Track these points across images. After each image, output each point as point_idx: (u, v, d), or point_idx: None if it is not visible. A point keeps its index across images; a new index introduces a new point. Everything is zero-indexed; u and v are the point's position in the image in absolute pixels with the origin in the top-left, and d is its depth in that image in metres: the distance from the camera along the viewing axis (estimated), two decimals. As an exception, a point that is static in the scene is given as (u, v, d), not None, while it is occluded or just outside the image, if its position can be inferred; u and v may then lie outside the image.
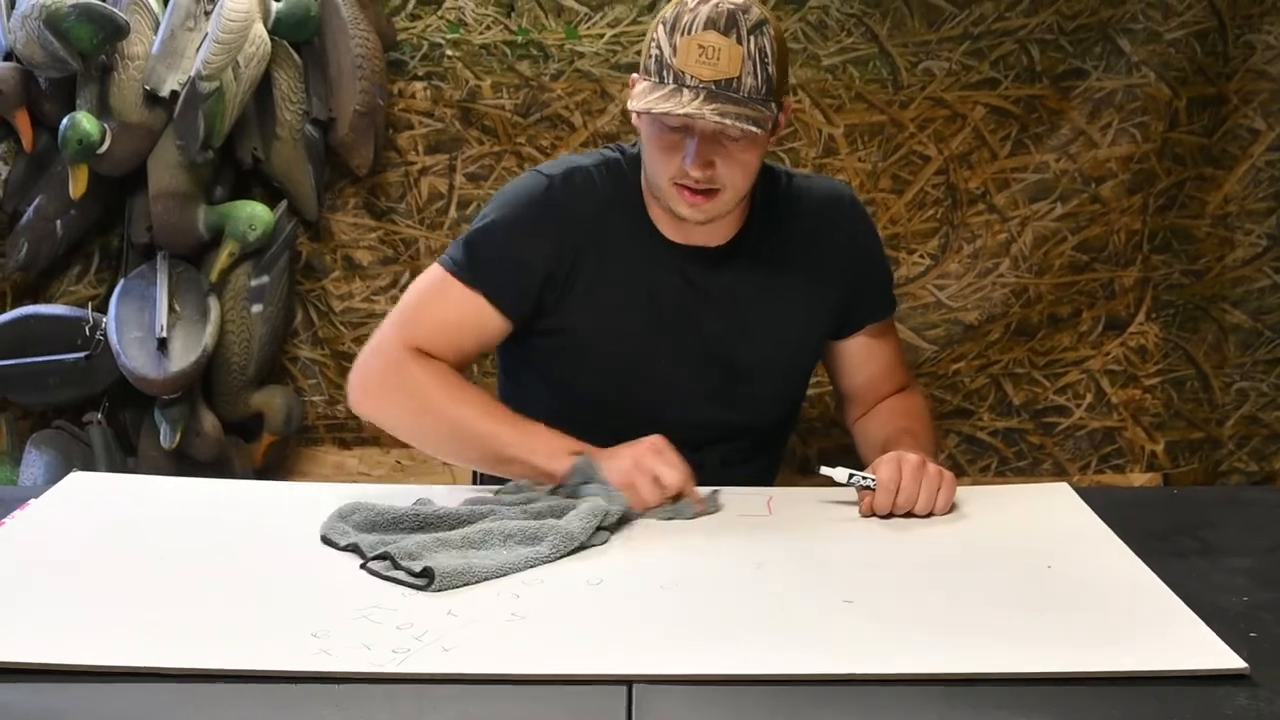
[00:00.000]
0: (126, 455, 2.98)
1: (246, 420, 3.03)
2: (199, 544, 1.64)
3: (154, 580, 1.51)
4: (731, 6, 1.81)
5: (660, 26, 1.83)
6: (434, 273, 1.96)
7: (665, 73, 1.80)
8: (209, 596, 1.47)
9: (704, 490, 1.80)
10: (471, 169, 3.04)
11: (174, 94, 2.78)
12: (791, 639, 1.38)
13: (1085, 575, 1.59)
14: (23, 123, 2.82)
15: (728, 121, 1.76)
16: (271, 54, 2.86)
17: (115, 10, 2.75)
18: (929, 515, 1.77)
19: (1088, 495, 1.86)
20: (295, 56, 2.96)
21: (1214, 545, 1.71)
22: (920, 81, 3.03)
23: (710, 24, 1.78)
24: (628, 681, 1.29)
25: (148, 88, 2.79)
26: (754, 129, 1.78)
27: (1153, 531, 1.72)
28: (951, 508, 1.79)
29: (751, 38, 1.79)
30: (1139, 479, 3.16)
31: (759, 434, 2.09)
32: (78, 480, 1.88)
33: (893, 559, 1.64)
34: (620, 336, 1.97)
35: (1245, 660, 1.33)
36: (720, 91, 1.77)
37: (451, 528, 1.61)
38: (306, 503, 1.80)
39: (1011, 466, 3.17)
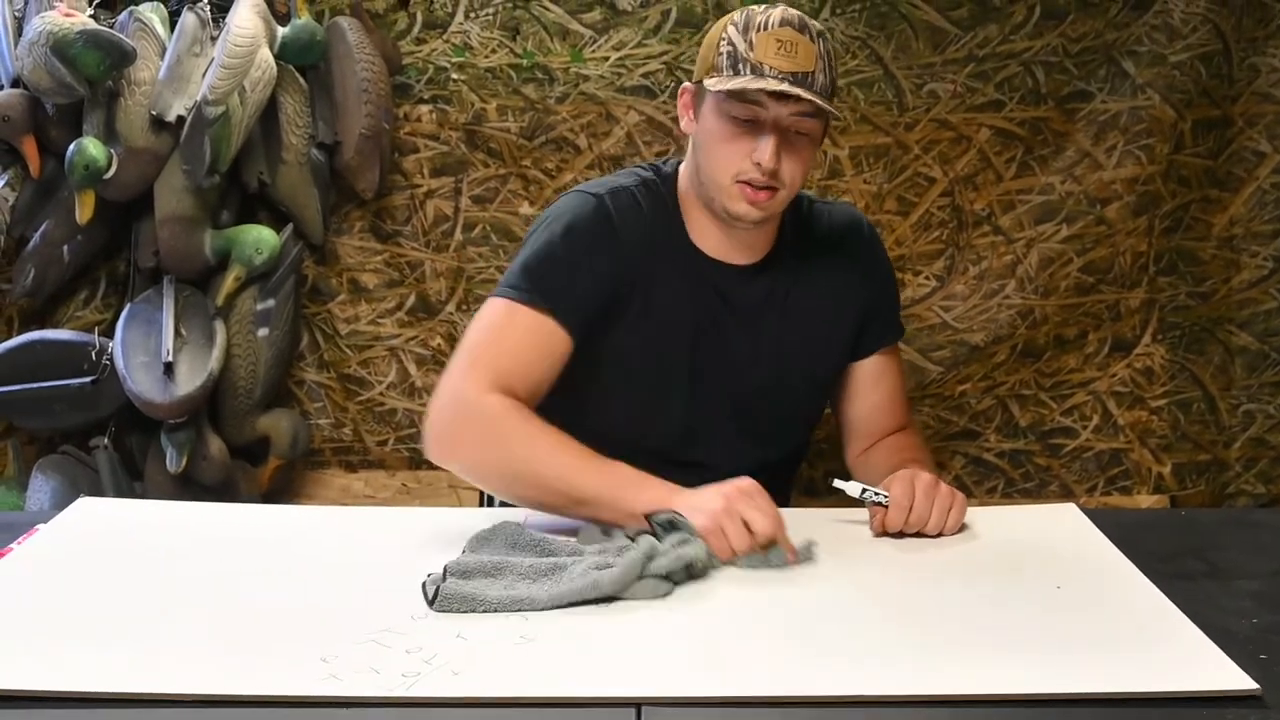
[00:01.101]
0: (133, 480, 2.98)
1: (252, 444, 3.03)
2: (206, 569, 1.64)
3: (161, 605, 1.51)
4: (794, 11, 1.87)
5: (730, 28, 1.86)
6: (494, 305, 1.88)
7: (741, 65, 1.83)
8: (217, 621, 1.46)
9: (798, 540, 1.68)
10: (477, 192, 3.05)
11: (180, 119, 2.79)
12: (800, 660, 1.38)
13: (1094, 596, 1.58)
14: (30, 149, 2.83)
15: (820, 102, 1.81)
16: (277, 79, 2.87)
17: (122, 37, 2.76)
18: (939, 535, 1.76)
19: (1095, 517, 1.86)
20: (301, 81, 2.97)
21: (1222, 568, 1.70)
22: (925, 104, 3.03)
23: (785, 22, 1.84)
24: (637, 704, 1.29)
25: (154, 113, 2.80)
26: (834, 113, 1.86)
27: (1160, 554, 1.71)
28: (961, 528, 1.78)
29: (820, 40, 1.85)
30: (1146, 501, 3.16)
31: (781, 451, 2.11)
32: (85, 506, 1.88)
33: (902, 580, 1.63)
34: (657, 352, 1.98)
35: (1256, 683, 1.32)
36: (799, 82, 1.81)
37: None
38: (313, 527, 1.81)
39: (1018, 488, 3.17)
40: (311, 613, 1.49)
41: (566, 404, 1.94)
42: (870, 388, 2.11)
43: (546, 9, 2.99)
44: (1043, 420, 3.16)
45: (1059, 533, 1.81)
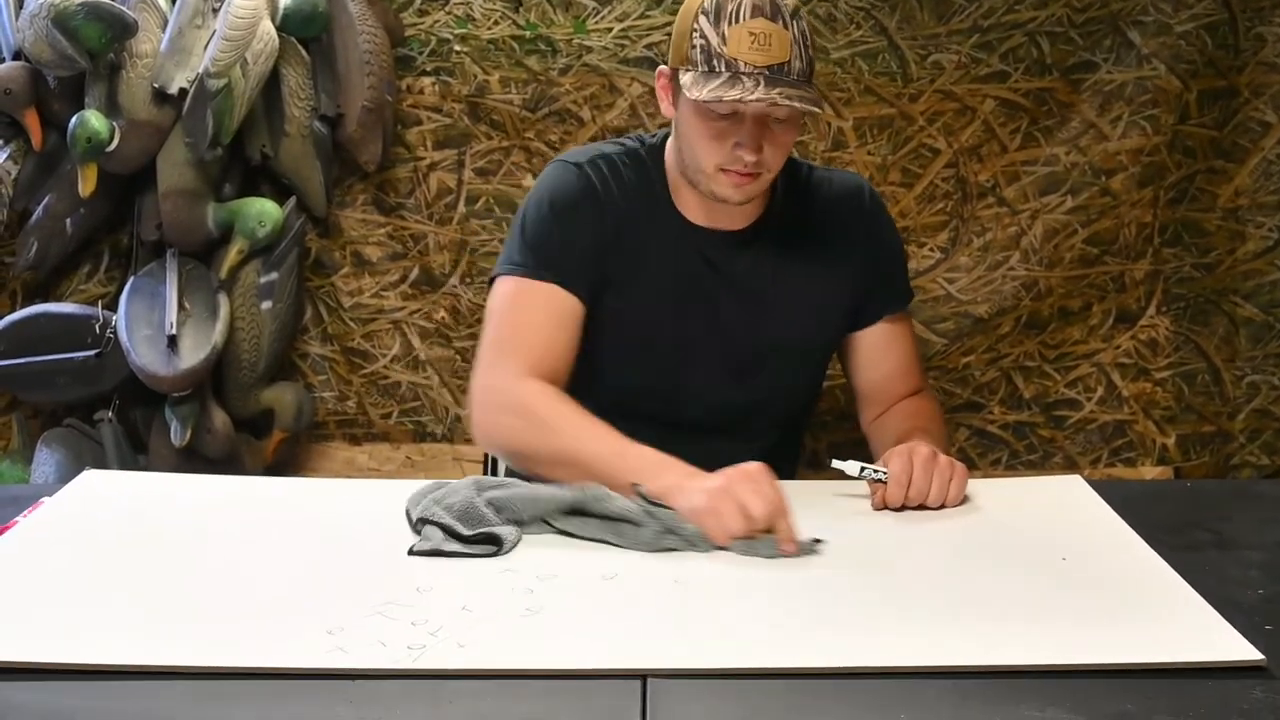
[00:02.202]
0: (137, 453, 2.99)
1: (257, 417, 3.03)
2: (211, 541, 1.64)
3: (167, 578, 1.51)
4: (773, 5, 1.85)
5: (701, 18, 1.85)
6: (504, 286, 1.95)
7: (716, 62, 1.82)
8: (222, 594, 1.47)
9: (803, 537, 1.63)
10: (480, 164, 3.04)
11: (182, 91, 2.78)
12: (805, 632, 1.38)
13: (1099, 567, 1.58)
14: (32, 122, 2.82)
15: (797, 105, 1.80)
16: (279, 51, 2.86)
17: (123, 9, 2.75)
18: (940, 507, 1.76)
19: (1099, 488, 1.85)
20: (303, 53, 2.96)
21: (1227, 539, 1.70)
22: (929, 74, 3.02)
23: (757, 11, 1.82)
24: (643, 675, 1.29)
25: (156, 86, 2.79)
26: (815, 109, 1.82)
27: (1165, 525, 1.71)
28: (964, 500, 1.78)
29: (794, 22, 1.83)
30: (1150, 472, 3.16)
31: (777, 421, 2.11)
32: (91, 478, 1.88)
33: (905, 552, 1.63)
34: (645, 320, 2.01)
35: (1261, 653, 1.32)
36: (775, 76, 1.81)
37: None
38: (319, 499, 1.81)
39: (1022, 460, 3.17)
40: (317, 585, 1.49)
41: (579, 366, 2.01)
42: (880, 356, 2.12)
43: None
44: (1047, 392, 3.16)
45: (1064, 505, 1.81)
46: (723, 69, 1.82)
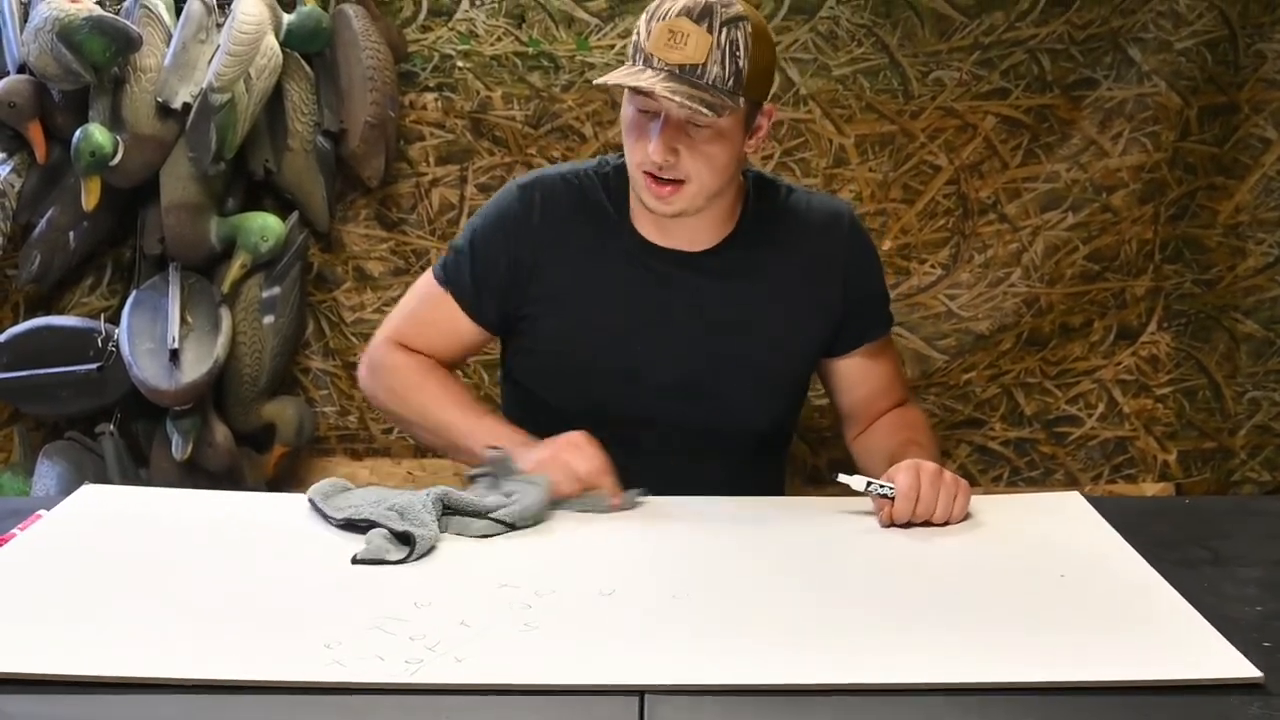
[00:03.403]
0: (138, 466, 2.99)
1: (258, 431, 3.03)
2: (211, 556, 1.64)
3: (166, 592, 1.51)
4: (712, 1, 1.82)
5: (643, 15, 1.86)
6: (424, 277, 2.11)
7: (637, 55, 1.83)
8: (221, 608, 1.47)
9: (631, 491, 1.83)
10: (483, 180, 3.05)
11: (186, 106, 2.79)
12: (804, 648, 1.38)
13: (1098, 584, 1.58)
14: (36, 135, 2.83)
15: (676, 99, 1.76)
16: (283, 66, 2.86)
17: (128, 23, 2.76)
18: (945, 524, 1.76)
19: (1099, 505, 1.86)
20: (307, 68, 2.97)
21: (1226, 555, 1.70)
22: (931, 91, 3.03)
23: (685, 11, 1.80)
24: (640, 691, 1.29)
25: (160, 100, 2.80)
26: (705, 111, 1.77)
27: (1164, 541, 1.72)
28: (966, 516, 1.78)
29: (724, 29, 1.80)
30: (1151, 489, 3.16)
31: (747, 444, 2.08)
32: (90, 492, 1.88)
33: (904, 568, 1.63)
34: (595, 341, 2.00)
35: (1259, 670, 1.32)
36: (683, 76, 1.78)
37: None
38: (318, 514, 1.80)
39: (1023, 476, 3.17)
40: (315, 599, 1.50)
41: (528, 386, 2.08)
42: (860, 380, 2.11)
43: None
44: (1048, 408, 3.16)
45: (1062, 521, 1.82)
46: (639, 62, 1.82)
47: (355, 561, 1.58)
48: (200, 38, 2.84)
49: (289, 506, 1.90)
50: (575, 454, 1.80)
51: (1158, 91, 3.01)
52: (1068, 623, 1.46)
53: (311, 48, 2.95)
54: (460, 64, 3.02)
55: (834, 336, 2.07)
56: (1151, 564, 1.62)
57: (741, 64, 1.81)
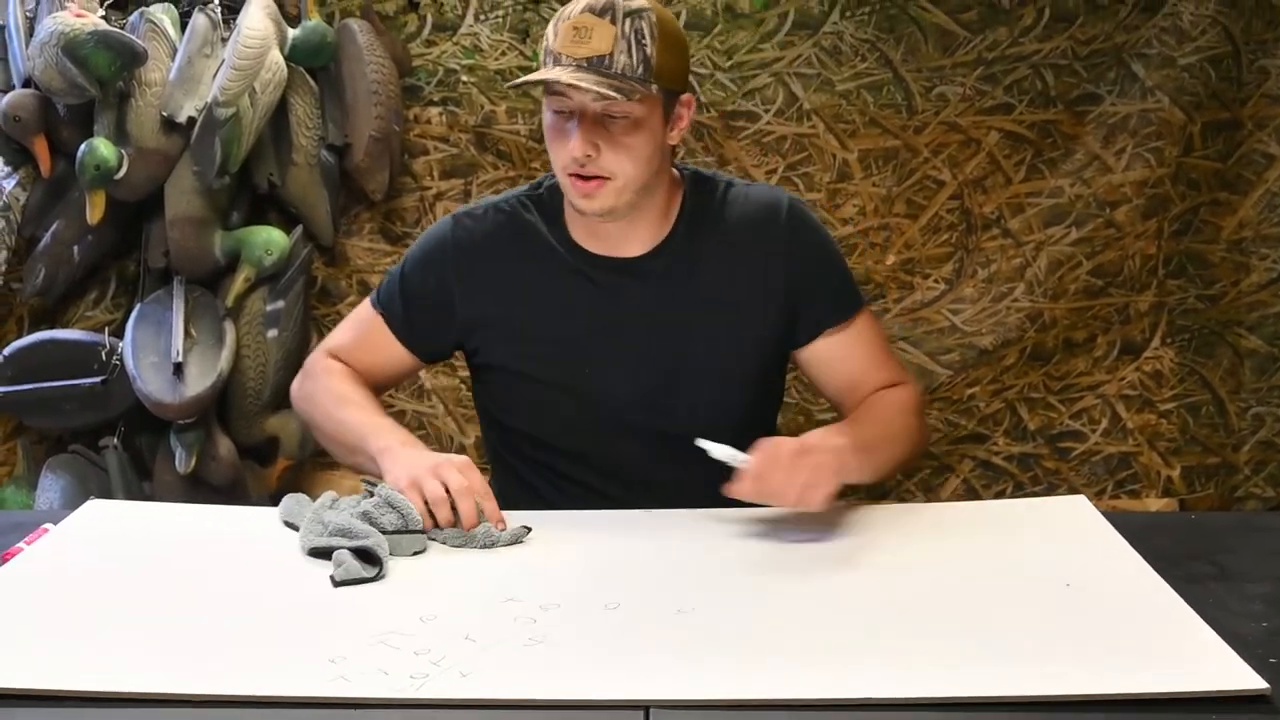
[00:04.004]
0: (142, 480, 2.99)
1: (261, 444, 3.04)
2: (215, 571, 1.64)
3: (171, 607, 1.51)
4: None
5: (552, 21, 1.88)
6: (364, 301, 2.11)
7: (547, 58, 1.85)
8: (225, 623, 1.46)
9: (515, 523, 1.74)
10: (486, 194, 3.04)
11: (191, 120, 2.80)
12: (809, 662, 1.38)
13: (1103, 593, 1.57)
14: (41, 149, 2.84)
15: (584, 85, 1.77)
16: (288, 80, 2.87)
17: (133, 38, 2.77)
18: (805, 510, 1.72)
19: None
20: (311, 83, 2.97)
21: (1231, 571, 1.70)
22: (934, 106, 3.03)
23: (588, 8, 1.82)
24: (645, 706, 1.29)
25: (165, 114, 2.81)
26: (615, 95, 1.78)
27: (1169, 557, 1.71)
28: (835, 510, 1.74)
29: (628, 20, 1.81)
30: (1155, 504, 3.16)
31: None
32: (95, 507, 1.88)
33: (909, 579, 1.63)
34: (547, 362, 1.97)
35: (1265, 683, 1.32)
36: (591, 67, 1.80)
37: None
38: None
39: (1027, 491, 3.16)
40: (319, 614, 1.49)
41: (496, 414, 2.07)
42: (833, 368, 2.03)
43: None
44: (1051, 424, 3.16)
45: (1068, 527, 1.80)
46: (550, 63, 1.83)
47: (336, 584, 1.57)
48: (205, 52, 2.85)
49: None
50: (451, 470, 1.75)
51: (1161, 107, 3.02)
52: (1073, 635, 1.45)
53: (316, 62, 2.96)
54: (464, 78, 3.03)
55: (791, 327, 2.01)
56: (1156, 580, 1.62)
57: (649, 51, 1.82)
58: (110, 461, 2.95)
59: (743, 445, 1.93)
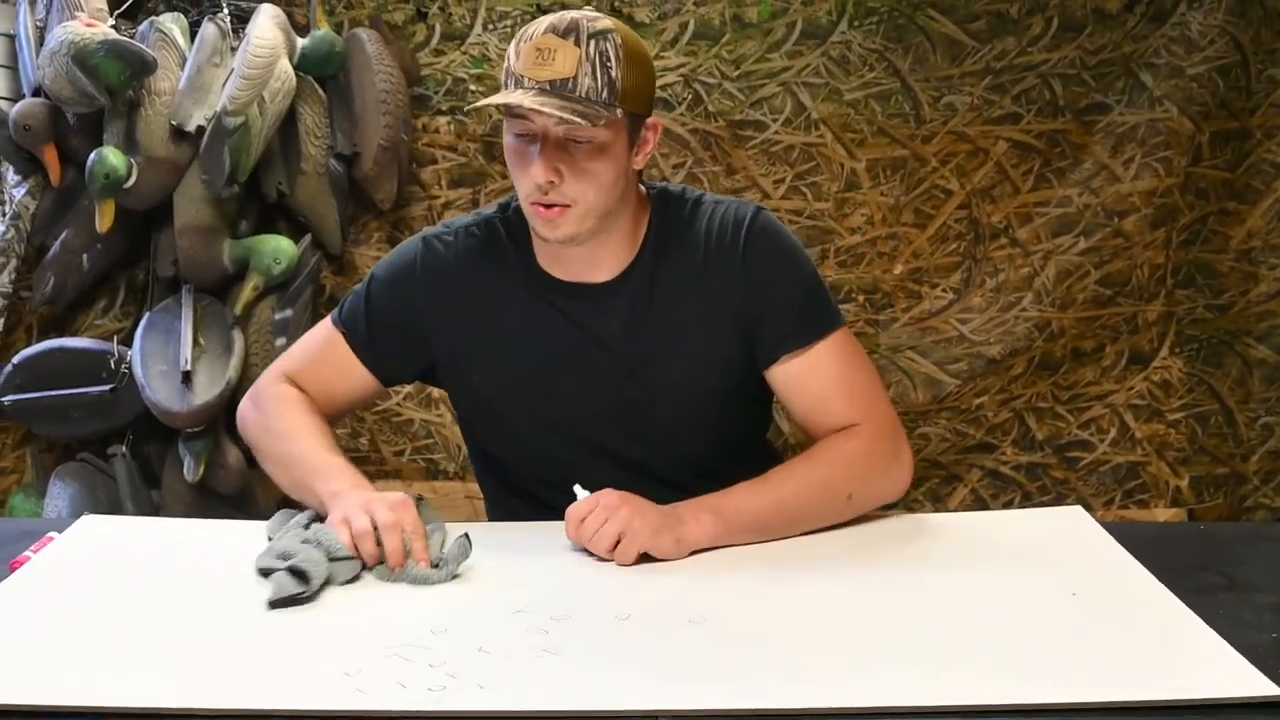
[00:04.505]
0: (150, 488, 2.99)
1: (270, 453, 3.03)
2: (223, 585, 1.63)
3: (180, 622, 1.51)
4: (578, 15, 1.79)
5: (513, 42, 1.81)
6: (323, 321, 2.06)
7: (509, 80, 1.79)
8: (237, 637, 1.46)
9: (451, 547, 1.69)
10: (495, 202, 3.04)
11: (200, 129, 2.80)
12: (821, 672, 1.38)
13: (1110, 602, 1.58)
14: (51, 158, 2.84)
15: (547, 110, 1.72)
16: (296, 89, 2.88)
17: (142, 47, 2.77)
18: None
19: (1112, 530, 1.85)
20: (320, 92, 2.98)
21: (1241, 582, 1.70)
22: (942, 116, 3.03)
23: (550, 29, 1.77)
24: (656, 716, 1.29)
25: (174, 123, 2.81)
26: (579, 120, 1.72)
27: (1178, 568, 1.71)
28: (641, 558, 1.70)
29: (592, 41, 1.76)
30: (1163, 514, 3.15)
31: (697, 469, 1.95)
32: (90, 523, 1.87)
33: (915, 588, 1.63)
34: (517, 389, 1.93)
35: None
36: (554, 90, 1.74)
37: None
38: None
39: (1035, 501, 3.16)
40: (329, 626, 1.49)
41: (472, 437, 2.05)
42: (792, 395, 1.94)
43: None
44: (1060, 433, 3.16)
45: (1068, 537, 1.81)
46: (511, 85, 1.77)
47: (271, 605, 1.53)
48: (215, 61, 2.85)
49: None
50: (381, 505, 1.69)
51: (1169, 117, 3.02)
52: (1083, 641, 1.45)
53: (325, 72, 2.96)
54: (473, 88, 3.03)
55: (753, 348, 1.93)
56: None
57: (614, 74, 1.77)
58: (118, 470, 2.95)
59: (728, 465, 1.92)
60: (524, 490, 1.98)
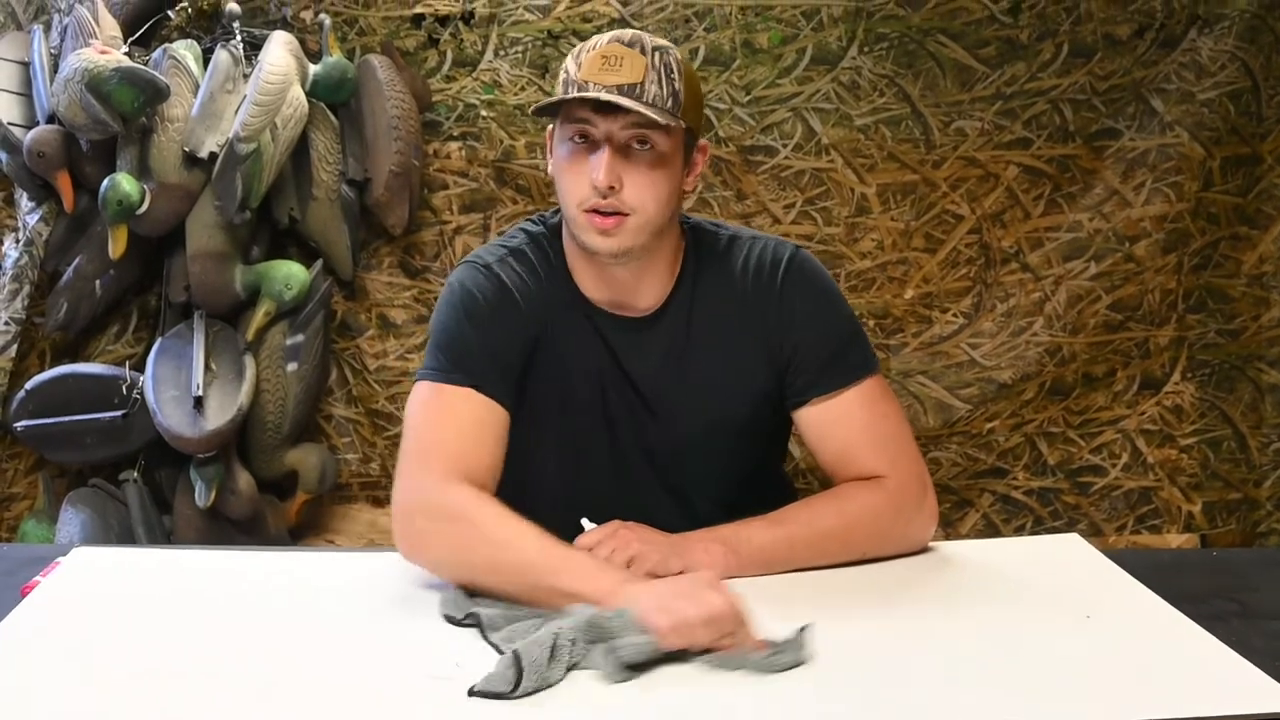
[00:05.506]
0: (162, 514, 2.99)
1: (281, 478, 3.04)
2: (228, 618, 1.61)
3: (195, 656, 1.48)
4: (637, 31, 1.80)
5: (567, 59, 1.81)
6: (421, 392, 1.84)
7: (569, 88, 1.77)
8: (251, 669, 1.45)
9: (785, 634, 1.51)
10: (506, 228, 3.05)
11: (213, 155, 2.81)
12: (835, 697, 1.37)
13: (1124, 624, 1.59)
14: (64, 184, 2.85)
15: (624, 103, 1.71)
16: (309, 116, 2.89)
17: (156, 74, 2.78)
18: None
19: (1124, 556, 1.85)
20: (332, 118, 2.99)
21: (1254, 609, 1.69)
22: (953, 141, 3.03)
23: (615, 39, 1.77)
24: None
25: (187, 149, 2.82)
26: (656, 117, 1.71)
27: (1191, 594, 1.70)
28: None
29: (656, 53, 1.76)
30: (1176, 540, 3.14)
31: (720, 496, 1.94)
32: (82, 556, 1.83)
33: (933, 620, 1.62)
34: (571, 412, 1.91)
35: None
36: (624, 93, 1.73)
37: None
38: (339, 572, 1.79)
39: (1046, 526, 3.15)
40: (350, 661, 1.48)
41: (519, 474, 1.91)
42: (821, 439, 1.91)
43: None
44: (1071, 458, 3.15)
45: (1070, 563, 1.82)
46: (573, 92, 1.76)
47: (472, 693, 1.40)
48: (227, 88, 2.87)
49: (303, 563, 1.89)
50: (690, 604, 1.48)
51: (1180, 142, 3.02)
52: (1104, 663, 1.46)
53: (337, 98, 2.97)
54: (484, 113, 3.04)
55: (781, 389, 1.91)
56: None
57: (677, 86, 1.76)
58: (130, 495, 2.95)
59: (745, 493, 1.92)
60: (556, 519, 1.81)
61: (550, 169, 1.85)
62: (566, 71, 1.79)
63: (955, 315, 3.10)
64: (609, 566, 1.64)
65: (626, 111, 1.72)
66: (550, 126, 1.86)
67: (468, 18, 3.03)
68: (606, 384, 1.90)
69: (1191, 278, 3.09)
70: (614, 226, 1.76)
